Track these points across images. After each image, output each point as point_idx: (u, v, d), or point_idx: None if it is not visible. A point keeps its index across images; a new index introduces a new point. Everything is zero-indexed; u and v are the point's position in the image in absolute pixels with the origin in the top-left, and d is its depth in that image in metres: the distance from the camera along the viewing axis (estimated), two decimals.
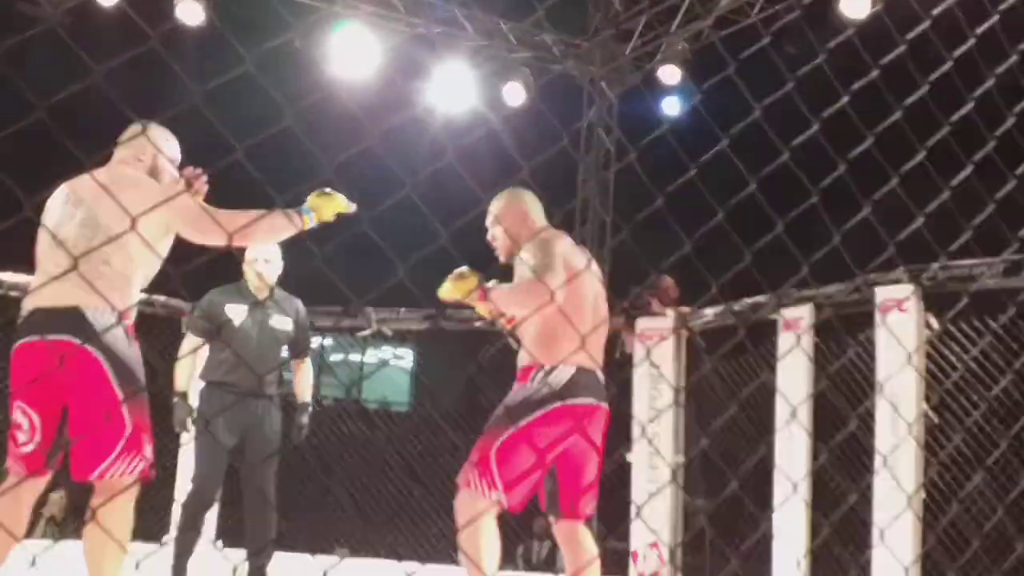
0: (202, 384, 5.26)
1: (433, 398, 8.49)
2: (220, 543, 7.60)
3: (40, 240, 3.36)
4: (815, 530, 5.80)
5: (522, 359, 3.63)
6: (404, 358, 13.44)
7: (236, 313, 5.22)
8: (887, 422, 5.32)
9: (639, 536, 7.38)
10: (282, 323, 5.31)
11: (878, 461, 5.12)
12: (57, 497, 8.58)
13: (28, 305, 3.30)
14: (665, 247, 2.45)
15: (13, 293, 6.85)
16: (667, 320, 7.57)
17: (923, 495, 5.15)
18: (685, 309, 7.56)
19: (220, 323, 5.16)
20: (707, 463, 7.47)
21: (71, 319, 3.16)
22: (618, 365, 8.12)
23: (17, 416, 3.21)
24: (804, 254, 2.62)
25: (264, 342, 5.26)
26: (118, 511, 3.24)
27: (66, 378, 3.14)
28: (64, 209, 3.37)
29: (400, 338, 8.76)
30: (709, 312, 7.30)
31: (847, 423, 4.37)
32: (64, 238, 3.27)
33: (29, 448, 3.21)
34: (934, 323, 5.41)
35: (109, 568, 3.23)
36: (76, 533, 7.59)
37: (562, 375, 3.51)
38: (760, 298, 6.32)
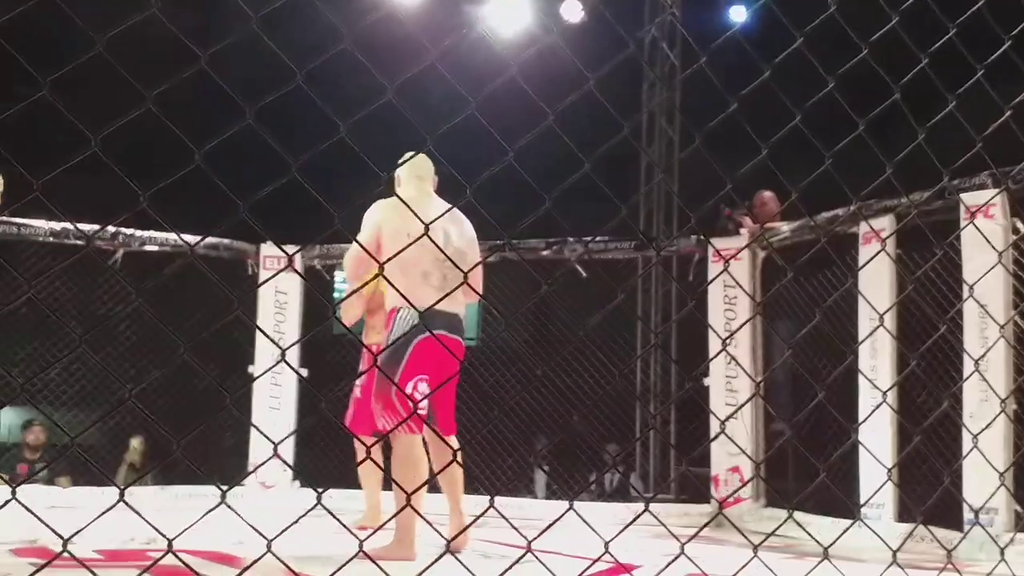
0: None
1: (501, 329, 8.35)
2: (297, 483, 7.76)
3: (397, 245, 4.03)
4: (903, 443, 5.66)
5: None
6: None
7: None
8: (975, 330, 5.14)
9: (719, 461, 7.33)
10: None
11: (968, 366, 4.95)
12: (137, 443, 8.49)
13: (421, 305, 4.01)
14: (737, 164, 2.35)
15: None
16: (742, 239, 7.40)
17: (1014, 404, 4.99)
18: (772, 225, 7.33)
19: None
20: (792, 387, 7.32)
21: (460, 322, 4.54)
22: (692, 287, 8.00)
23: (423, 388, 4.32)
24: (885, 160, 2.51)
25: None
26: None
27: (452, 364, 4.43)
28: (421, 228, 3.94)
29: None
30: (785, 228, 7.10)
31: (933, 334, 4.22)
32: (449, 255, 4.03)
33: (424, 411, 4.43)
34: (1022, 227, 5.19)
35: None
36: (155, 479, 7.76)
37: None
38: (839, 211, 6.10)
